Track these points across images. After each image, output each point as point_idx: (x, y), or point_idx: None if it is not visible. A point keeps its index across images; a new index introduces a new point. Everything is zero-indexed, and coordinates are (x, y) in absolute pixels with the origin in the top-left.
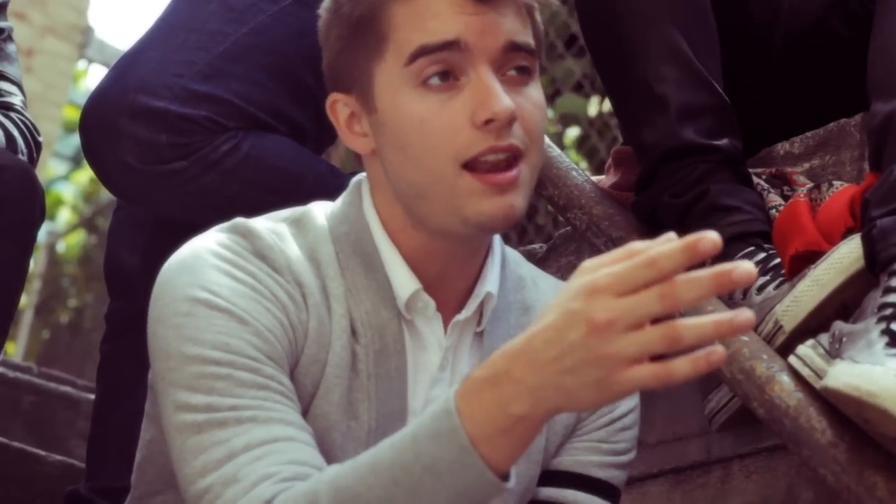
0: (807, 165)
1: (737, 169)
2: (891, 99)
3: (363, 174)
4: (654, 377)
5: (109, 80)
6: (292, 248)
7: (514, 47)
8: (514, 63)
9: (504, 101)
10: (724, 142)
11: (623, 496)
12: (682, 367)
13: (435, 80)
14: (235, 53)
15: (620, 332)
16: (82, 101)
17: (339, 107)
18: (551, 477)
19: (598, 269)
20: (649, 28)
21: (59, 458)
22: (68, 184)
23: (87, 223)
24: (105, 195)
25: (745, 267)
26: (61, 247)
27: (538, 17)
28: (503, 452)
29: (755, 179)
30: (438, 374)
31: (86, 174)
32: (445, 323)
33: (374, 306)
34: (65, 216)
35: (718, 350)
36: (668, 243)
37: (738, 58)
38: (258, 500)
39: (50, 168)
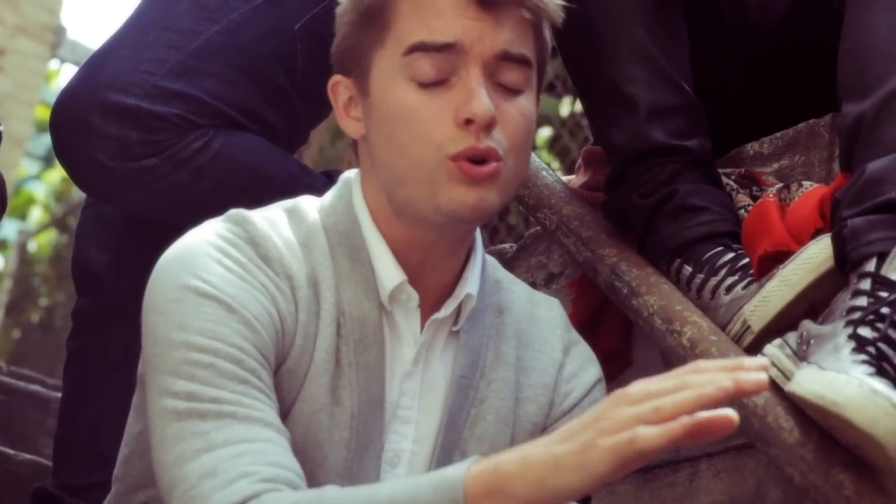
0: (776, 166)
1: (706, 169)
2: (861, 99)
3: (353, 170)
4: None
5: (80, 78)
6: (287, 236)
7: (507, 57)
8: (507, 71)
9: (484, 103)
10: (692, 142)
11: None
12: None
13: (427, 78)
14: (208, 52)
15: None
16: (54, 100)
17: (339, 89)
18: None
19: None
20: (618, 29)
21: (28, 457)
22: (40, 183)
23: (58, 222)
24: (77, 194)
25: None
26: (33, 246)
27: (546, 32)
28: None
29: (724, 180)
30: (412, 368)
31: (57, 173)
32: (423, 319)
33: (356, 297)
34: (36, 215)
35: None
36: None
37: (707, 58)
38: (237, 496)
39: (22, 167)
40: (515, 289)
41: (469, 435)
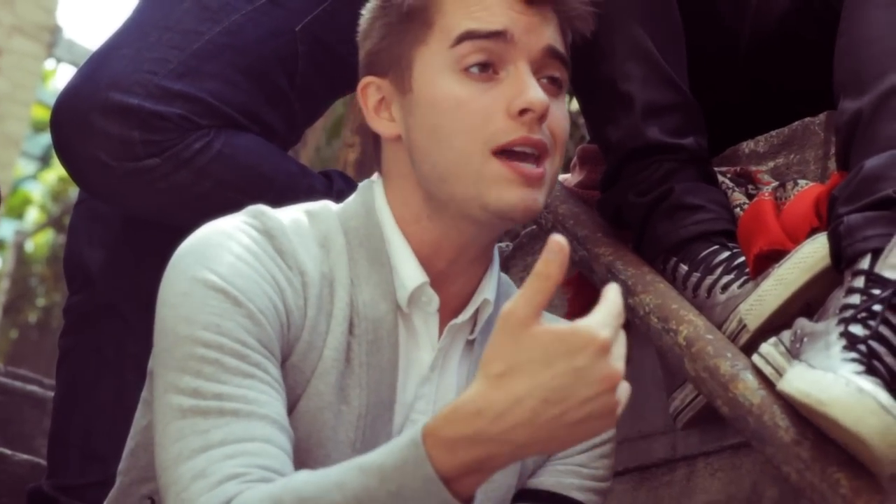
0: (771, 164)
1: (701, 167)
2: (858, 97)
3: (372, 178)
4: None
5: (82, 77)
6: (304, 234)
7: (553, 53)
8: (550, 70)
9: (541, 94)
10: (688, 140)
11: None
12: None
13: (475, 70)
14: (209, 52)
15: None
16: (51, 100)
17: (370, 90)
18: (534, 496)
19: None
20: (615, 26)
21: (25, 457)
22: (36, 183)
23: (55, 222)
24: (73, 194)
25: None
26: (30, 246)
27: (568, 42)
28: (468, 486)
29: (720, 178)
30: (428, 374)
31: (54, 173)
32: (441, 325)
33: (373, 298)
34: (33, 215)
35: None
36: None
37: (703, 56)
38: (222, 496)
39: (18, 167)
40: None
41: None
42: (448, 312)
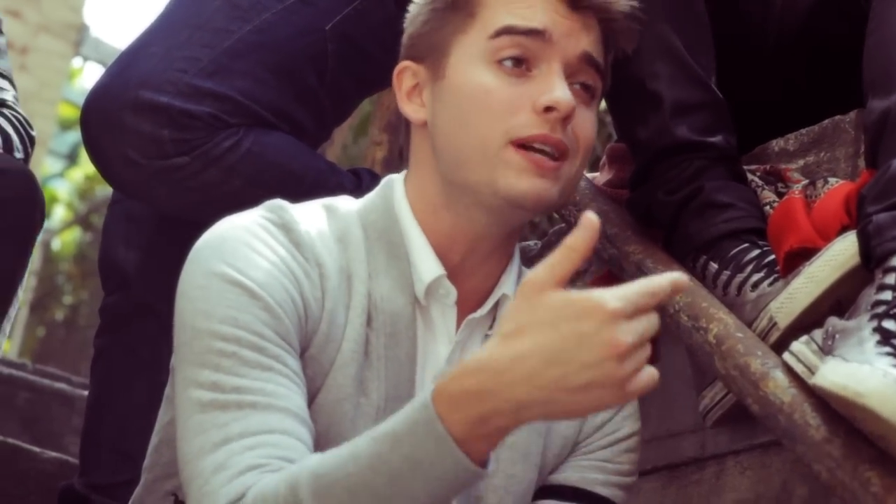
0: (801, 162)
1: (731, 166)
2: (887, 95)
3: (394, 175)
4: (649, 382)
5: (112, 75)
6: (322, 227)
7: (589, 60)
8: (584, 76)
9: (568, 94)
10: (717, 138)
11: None
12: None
13: (508, 63)
14: (239, 51)
15: (634, 353)
16: (77, 98)
17: (406, 75)
18: (557, 491)
19: (590, 294)
20: (643, 26)
21: (54, 454)
22: (63, 181)
23: (82, 220)
24: (100, 192)
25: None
26: (56, 244)
27: (610, 56)
28: (479, 448)
29: (749, 176)
30: (445, 367)
31: (80, 171)
32: (459, 320)
33: (391, 291)
34: (60, 213)
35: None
36: (661, 279)
37: (731, 54)
38: (240, 488)
39: (45, 166)
40: None
41: (500, 443)
42: (467, 307)
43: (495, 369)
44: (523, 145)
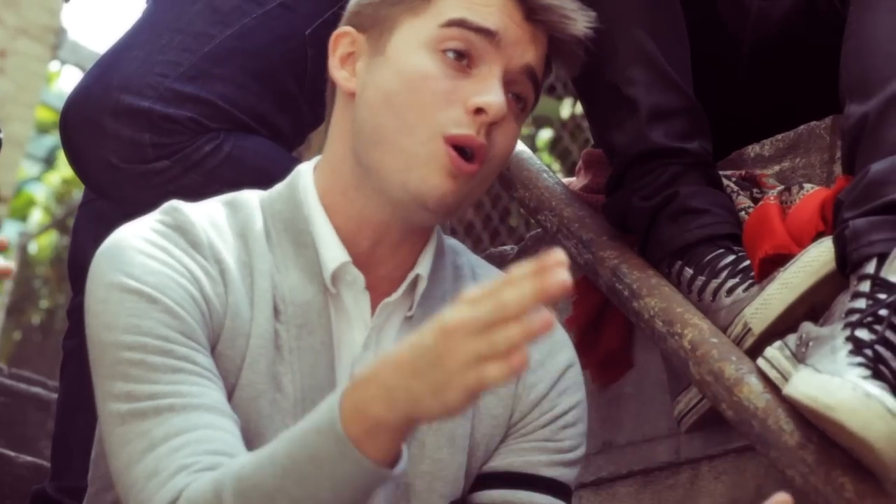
0: (777, 168)
1: (707, 171)
2: (865, 100)
3: (303, 164)
4: (499, 375)
5: (92, 79)
6: (219, 224)
7: (529, 73)
8: (521, 88)
9: (502, 100)
10: (693, 144)
11: (592, 497)
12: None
13: (451, 55)
14: (220, 55)
15: (485, 360)
16: (55, 102)
17: (343, 41)
18: (501, 478)
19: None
20: (619, 31)
21: (29, 458)
22: (40, 185)
23: (59, 224)
24: (77, 196)
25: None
26: (33, 248)
27: (546, 75)
28: (377, 448)
29: (725, 182)
30: (362, 353)
31: (58, 175)
32: (374, 305)
33: (299, 282)
34: (37, 217)
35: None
36: (518, 284)
37: (708, 60)
38: (174, 491)
39: (22, 169)
40: (480, 272)
41: (425, 427)
42: (382, 292)
43: (382, 357)
44: (452, 144)
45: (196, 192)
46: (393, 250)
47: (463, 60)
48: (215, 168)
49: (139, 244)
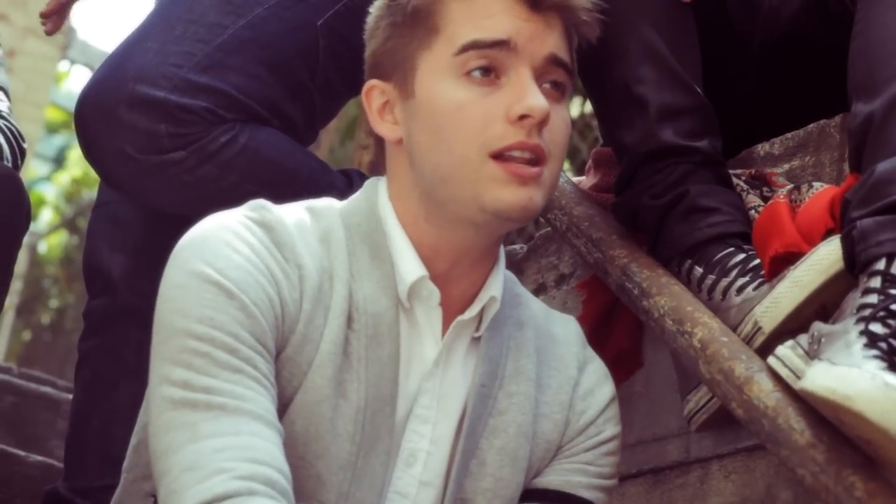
0: (786, 166)
1: (716, 170)
2: (871, 99)
3: (377, 178)
4: None
5: (107, 70)
6: (304, 228)
7: (555, 61)
8: (552, 76)
9: (541, 100)
10: (703, 143)
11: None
12: None
13: (477, 74)
14: (233, 46)
15: None
16: (64, 102)
17: (374, 94)
18: (542, 495)
19: None
20: (628, 29)
21: (39, 458)
22: (50, 184)
23: (68, 224)
24: (87, 195)
25: None
26: (43, 247)
27: (574, 47)
28: None
29: (735, 180)
30: (432, 369)
31: (67, 175)
32: (446, 323)
33: (373, 293)
34: (46, 217)
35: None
36: None
37: (717, 58)
38: (209, 493)
39: (31, 169)
40: (533, 305)
41: (488, 445)
42: (453, 311)
43: None
44: (501, 156)
45: (211, 183)
46: (468, 270)
47: (490, 74)
48: (231, 159)
49: (226, 236)
